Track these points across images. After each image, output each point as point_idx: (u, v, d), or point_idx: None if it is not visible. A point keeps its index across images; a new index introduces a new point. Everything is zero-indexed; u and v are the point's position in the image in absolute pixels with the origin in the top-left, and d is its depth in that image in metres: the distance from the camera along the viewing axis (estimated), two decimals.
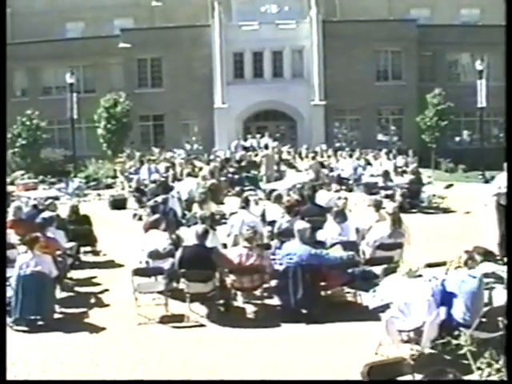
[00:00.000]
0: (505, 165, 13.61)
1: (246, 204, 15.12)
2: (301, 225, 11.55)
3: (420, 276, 9.48)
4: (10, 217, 16.17)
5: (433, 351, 8.71)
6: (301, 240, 11.19)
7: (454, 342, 8.51)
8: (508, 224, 11.81)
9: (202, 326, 10.83)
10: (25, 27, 47.28)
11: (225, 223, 16.47)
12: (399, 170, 30.23)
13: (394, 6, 47.45)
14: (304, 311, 10.91)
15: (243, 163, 32.26)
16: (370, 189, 26.32)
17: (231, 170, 31.21)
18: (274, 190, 21.23)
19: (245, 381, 8.55)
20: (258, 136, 40.25)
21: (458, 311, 8.49)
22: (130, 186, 27.85)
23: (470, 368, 7.97)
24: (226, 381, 8.57)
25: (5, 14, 25.32)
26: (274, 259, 11.79)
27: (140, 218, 20.78)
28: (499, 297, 8.62)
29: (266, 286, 11.77)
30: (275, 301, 11.61)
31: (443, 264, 9.68)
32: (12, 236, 14.20)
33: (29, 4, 49.74)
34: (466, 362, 8.17)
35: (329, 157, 34.81)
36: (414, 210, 22.80)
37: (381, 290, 9.83)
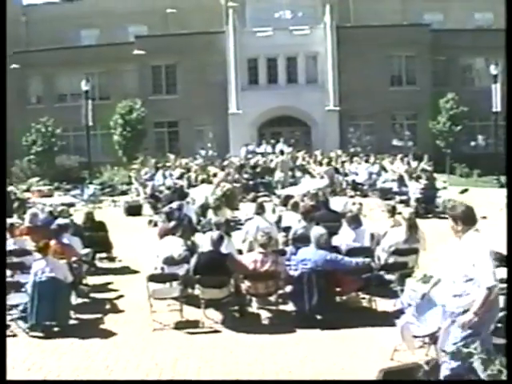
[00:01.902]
0: None
1: (261, 210, 15.12)
2: (318, 230, 11.54)
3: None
4: (26, 223, 16.29)
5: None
6: (317, 246, 11.18)
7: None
8: (508, 224, 11.75)
9: (217, 331, 10.83)
10: (40, 35, 47.57)
11: (240, 229, 16.46)
12: (414, 175, 30.16)
13: (408, 10, 47.37)
14: (319, 317, 10.90)
15: (258, 169, 32.27)
16: (385, 194, 26.27)
17: (246, 175, 31.24)
18: (288, 196, 21.27)
19: (245, 381, 8.55)
20: (273, 142, 40.22)
21: None
22: (145, 193, 27.91)
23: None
24: (227, 381, 8.58)
25: (5, 14, 25.40)
26: (288, 265, 11.79)
27: (155, 224, 20.82)
28: None
29: (280, 291, 11.73)
30: (290, 306, 11.59)
31: None
32: (28, 242, 14.28)
33: (43, 12, 50.07)
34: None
35: (343, 162, 34.74)
36: (429, 215, 22.73)
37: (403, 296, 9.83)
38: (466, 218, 7.46)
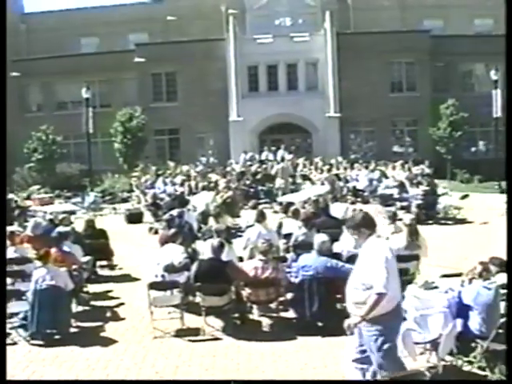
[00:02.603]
0: None
1: (261, 217, 15.09)
2: (320, 238, 11.51)
3: (436, 288, 9.44)
4: (27, 232, 16.31)
5: (445, 363, 8.65)
6: (318, 252, 11.16)
7: (465, 359, 8.46)
8: (508, 225, 11.73)
9: (218, 339, 10.81)
10: (40, 43, 47.68)
11: (240, 236, 16.44)
12: (415, 181, 30.16)
13: (407, 17, 47.46)
14: (320, 324, 10.88)
15: (258, 176, 32.27)
16: (386, 200, 26.23)
17: (247, 182, 31.25)
18: (289, 203, 21.25)
19: (246, 381, 8.53)
20: (274, 149, 40.21)
21: (475, 323, 8.44)
22: (145, 200, 27.90)
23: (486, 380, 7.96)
24: (229, 381, 8.56)
25: (5, 15, 25.47)
26: (289, 272, 11.78)
27: (156, 232, 20.80)
28: None
29: (281, 298, 11.73)
30: (291, 314, 11.58)
31: (459, 275, 9.63)
32: (28, 250, 14.29)
33: (43, 20, 50.15)
34: (482, 373, 8.15)
35: (344, 169, 34.76)
36: (430, 221, 22.74)
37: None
38: (368, 223, 7.49)
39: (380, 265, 6.97)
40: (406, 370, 7.35)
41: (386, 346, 7.06)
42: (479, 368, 8.26)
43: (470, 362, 8.39)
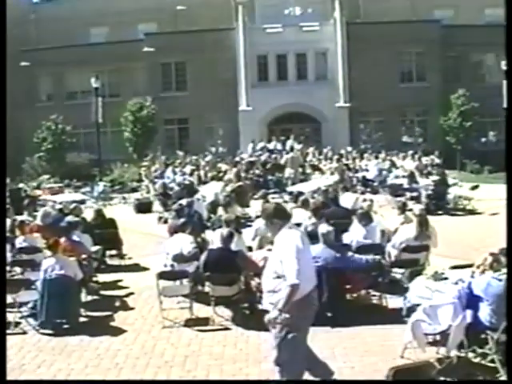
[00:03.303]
0: None
1: None
2: (324, 228, 11.46)
3: (446, 278, 9.41)
4: (37, 221, 16.33)
5: (460, 354, 8.62)
6: (324, 243, 11.12)
7: (480, 350, 8.43)
8: (508, 224, 11.67)
9: (227, 329, 10.80)
10: (49, 33, 47.60)
11: (250, 226, 16.43)
12: (424, 171, 30.11)
13: (418, 6, 47.15)
14: (329, 314, 10.84)
15: (268, 166, 32.24)
16: (395, 191, 26.15)
17: (256, 172, 31.22)
18: (299, 193, 21.24)
19: (246, 381, 8.52)
20: (283, 138, 40.15)
21: (485, 314, 8.39)
22: (155, 190, 27.94)
23: (497, 372, 7.92)
24: (230, 381, 8.56)
25: (5, 14, 25.48)
26: None
27: (165, 222, 20.80)
28: None
29: None
30: None
31: (469, 266, 9.59)
32: (38, 240, 14.30)
33: (53, 10, 50.12)
34: (492, 365, 8.12)
35: (354, 159, 34.71)
36: (439, 212, 22.68)
37: (410, 294, 9.80)
38: (280, 214, 7.45)
39: (291, 256, 6.99)
40: (304, 364, 7.43)
41: (290, 335, 7.12)
42: (491, 361, 8.23)
43: (485, 354, 8.36)
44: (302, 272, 6.93)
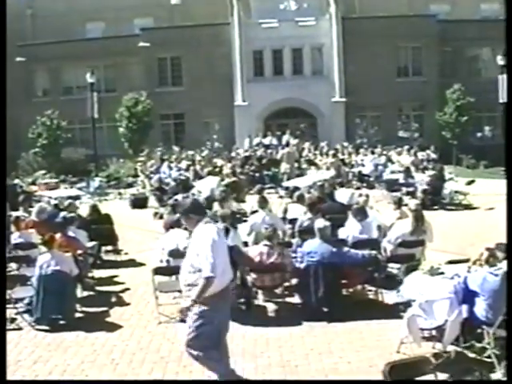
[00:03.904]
0: None
1: (264, 203, 15.04)
2: (321, 223, 11.46)
3: (442, 273, 9.42)
4: (32, 217, 16.30)
5: (456, 349, 8.64)
6: (321, 238, 11.12)
7: (478, 345, 8.45)
8: (508, 224, 11.68)
9: None
10: (45, 28, 47.53)
11: (246, 221, 16.42)
12: (420, 166, 30.12)
13: (414, 1, 47.09)
14: (325, 309, 10.85)
15: (264, 161, 32.23)
16: (391, 186, 26.17)
17: (252, 167, 31.22)
18: (295, 188, 21.23)
19: (247, 380, 8.52)
20: (279, 133, 40.14)
21: (481, 309, 8.41)
22: (150, 185, 27.92)
23: (494, 367, 7.94)
24: (230, 381, 8.57)
25: (5, 14, 25.43)
26: (295, 257, 11.75)
27: (161, 217, 20.77)
28: None
29: (286, 284, 11.73)
30: (296, 299, 11.57)
31: (465, 261, 9.61)
32: (33, 236, 14.29)
33: (49, 5, 49.90)
34: (489, 360, 8.13)
35: (350, 154, 34.71)
36: (435, 207, 22.71)
37: (404, 288, 9.80)
38: (196, 210, 7.64)
39: (207, 249, 7.18)
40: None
41: (202, 328, 7.32)
42: (487, 356, 8.25)
43: (483, 349, 8.37)
44: (217, 266, 7.13)
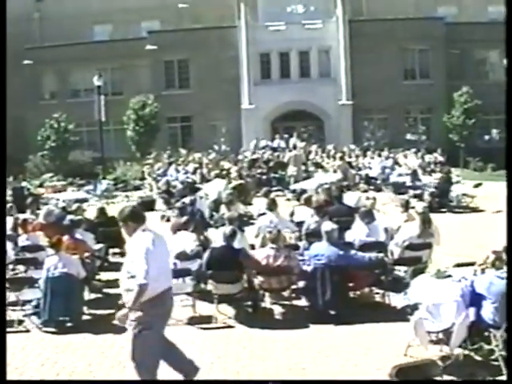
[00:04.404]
0: None
1: (273, 205, 15.06)
2: (328, 226, 11.46)
3: (449, 276, 9.40)
4: (40, 219, 16.33)
5: (463, 352, 8.62)
6: (328, 241, 11.13)
7: (487, 347, 8.43)
8: (508, 224, 11.66)
9: (230, 327, 10.81)
10: (53, 31, 47.65)
11: (253, 224, 16.42)
12: (427, 169, 30.10)
13: (421, 3, 47.03)
14: (332, 312, 10.86)
15: (271, 163, 32.24)
16: (398, 188, 26.17)
17: (259, 170, 31.23)
18: (302, 191, 21.23)
19: (246, 381, 8.53)
20: (286, 136, 40.15)
21: (488, 312, 8.39)
22: (158, 188, 27.95)
23: (501, 370, 7.92)
24: (229, 381, 8.57)
25: (5, 14, 25.54)
26: (302, 260, 11.76)
27: (168, 220, 20.80)
28: None
29: (293, 287, 11.73)
30: (303, 302, 11.58)
31: (472, 264, 9.59)
32: (41, 238, 14.32)
33: (57, 8, 50.02)
34: (495, 363, 8.12)
35: (357, 156, 34.70)
36: (443, 210, 22.68)
37: (411, 291, 9.79)
38: (134, 217, 7.71)
39: (141, 256, 7.24)
40: (157, 361, 7.70)
41: (143, 333, 7.38)
42: (495, 360, 8.23)
43: (491, 351, 8.36)
44: (152, 272, 7.19)
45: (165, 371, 7.92)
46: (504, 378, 7.78)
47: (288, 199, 25.02)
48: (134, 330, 7.43)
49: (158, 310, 7.50)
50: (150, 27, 47.46)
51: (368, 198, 17.63)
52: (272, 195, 18.41)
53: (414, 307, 9.34)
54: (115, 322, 11.06)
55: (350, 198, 19.00)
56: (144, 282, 7.11)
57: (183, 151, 38.49)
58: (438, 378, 6.41)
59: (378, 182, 29.47)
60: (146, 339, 7.41)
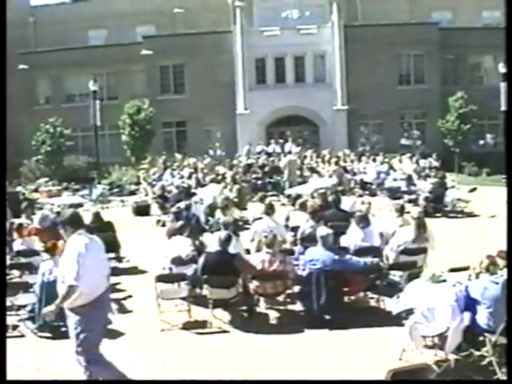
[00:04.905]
0: None
1: (270, 210, 15.07)
2: (323, 231, 11.49)
3: (444, 281, 9.42)
4: (35, 224, 16.31)
5: (457, 357, 8.64)
6: (323, 246, 11.14)
7: (477, 353, 8.44)
8: (508, 225, 11.69)
9: (225, 331, 10.82)
10: (48, 36, 47.74)
11: (248, 229, 16.43)
12: (422, 174, 30.13)
13: (416, 9, 47.25)
14: (327, 317, 10.87)
15: (266, 168, 32.26)
16: (394, 193, 26.22)
17: (254, 175, 31.25)
18: (298, 196, 21.24)
19: (246, 381, 8.53)
20: (281, 141, 40.20)
21: (482, 317, 8.42)
22: (153, 193, 27.94)
23: (495, 374, 7.94)
24: (228, 381, 8.57)
25: (5, 14, 25.54)
26: (297, 264, 11.77)
27: (163, 224, 20.80)
28: None
29: (288, 291, 11.74)
30: (298, 306, 11.58)
31: (467, 269, 9.61)
32: (36, 243, 14.31)
33: (52, 13, 50.17)
34: (490, 368, 8.13)
35: (352, 161, 34.74)
36: (438, 215, 22.72)
37: (404, 295, 9.79)
38: (72, 222, 7.92)
39: (72, 259, 7.44)
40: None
41: (82, 335, 7.59)
42: (488, 363, 8.25)
43: (482, 357, 8.37)
44: (85, 276, 7.39)
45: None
46: (504, 377, 7.81)
47: (283, 204, 25.04)
48: (74, 332, 7.61)
49: (97, 313, 7.69)
50: (145, 32, 47.53)
51: (363, 203, 17.65)
52: (267, 200, 18.40)
53: (409, 312, 9.35)
54: (110, 326, 11.16)
55: (345, 203, 19.02)
56: (74, 283, 7.30)
57: (178, 156, 38.48)
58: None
59: (373, 186, 29.51)
60: (86, 341, 7.60)
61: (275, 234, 12.42)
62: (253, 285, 11.48)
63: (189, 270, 11.85)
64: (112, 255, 16.39)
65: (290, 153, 35.98)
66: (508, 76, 26.07)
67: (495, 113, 38.85)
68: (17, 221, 16.63)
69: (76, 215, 8.12)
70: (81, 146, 45.21)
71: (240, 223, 19.52)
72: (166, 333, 10.82)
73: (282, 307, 11.79)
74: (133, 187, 33.46)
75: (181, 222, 14.52)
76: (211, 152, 41.98)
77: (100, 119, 37.04)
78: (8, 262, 13.32)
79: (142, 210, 25.81)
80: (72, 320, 7.59)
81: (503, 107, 35.52)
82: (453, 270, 10.21)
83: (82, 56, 45.33)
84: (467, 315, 8.51)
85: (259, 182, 30.30)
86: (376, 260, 11.83)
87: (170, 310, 11.32)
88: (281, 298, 11.93)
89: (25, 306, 11.26)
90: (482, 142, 45.18)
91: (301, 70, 44.28)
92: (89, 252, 7.57)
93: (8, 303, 11.10)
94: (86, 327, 7.55)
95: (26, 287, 11.48)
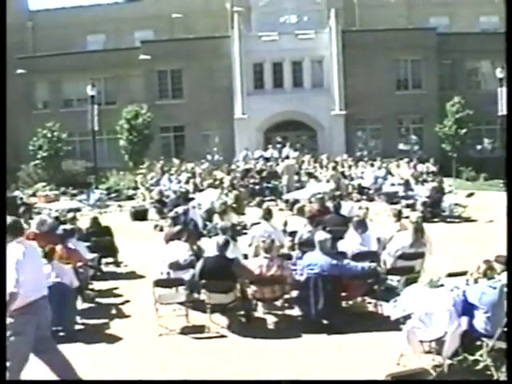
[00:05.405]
0: None
1: (268, 215, 15.08)
2: (321, 235, 11.50)
3: (441, 286, 9.43)
4: (32, 229, 16.30)
5: (451, 362, 8.64)
6: (321, 251, 11.15)
7: (471, 358, 8.44)
8: (508, 225, 11.70)
9: (223, 336, 10.82)
10: (46, 40, 47.77)
11: (246, 234, 16.43)
12: (420, 179, 30.16)
13: (413, 14, 47.40)
14: (325, 322, 10.88)
15: (264, 173, 32.27)
16: (391, 198, 26.24)
17: (252, 180, 31.26)
18: (295, 201, 21.26)
19: (245, 381, 8.53)
20: (279, 146, 40.22)
21: (480, 322, 8.42)
22: (151, 197, 27.94)
23: (492, 377, 7.96)
24: (227, 381, 8.58)
25: (5, 14, 25.55)
26: (294, 269, 11.77)
27: (161, 229, 20.78)
28: None
29: (286, 296, 11.73)
30: (296, 311, 11.58)
31: (465, 273, 9.62)
32: None
33: (50, 18, 50.21)
34: (487, 372, 8.15)
35: (349, 166, 34.75)
36: (435, 219, 22.72)
37: (402, 300, 9.79)
38: (12, 230, 7.92)
39: (11, 267, 7.49)
40: (23, 364, 7.85)
41: (12, 338, 7.59)
42: (485, 367, 8.26)
43: (477, 361, 8.37)
44: (23, 282, 7.44)
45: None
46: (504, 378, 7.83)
47: (281, 209, 25.04)
48: (7, 334, 7.58)
49: (28, 317, 7.72)
50: (144, 37, 47.64)
51: (361, 208, 17.67)
52: (265, 205, 18.40)
53: (407, 316, 9.35)
54: (108, 331, 11.19)
55: (342, 208, 19.03)
56: (14, 290, 7.33)
57: (176, 161, 38.49)
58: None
59: (371, 191, 29.49)
60: (16, 344, 7.60)
61: (273, 238, 12.41)
62: (251, 290, 11.48)
63: (186, 275, 11.84)
64: (110, 260, 16.49)
65: (287, 158, 36.00)
66: (508, 80, 26.12)
67: (493, 118, 38.92)
68: None
69: (15, 223, 8.14)
70: (79, 150, 45.11)
71: (238, 228, 19.52)
72: (163, 337, 10.82)
73: (279, 312, 11.79)
74: (130, 192, 33.41)
75: (178, 227, 14.52)
76: (209, 157, 41.99)
77: (98, 124, 37.01)
78: None
79: (139, 215, 25.78)
80: (11, 322, 7.59)
81: (501, 112, 35.60)
82: (450, 275, 10.21)
83: (80, 61, 45.28)
84: (465, 320, 8.52)
85: (257, 187, 30.32)
86: (374, 265, 11.83)
87: (168, 314, 11.33)
88: (279, 303, 11.92)
89: None
90: (479, 147, 45.19)
91: (299, 75, 44.31)
92: (27, 259, 7.66)
93: None
94: (14, 330, 7.60)
95: None
